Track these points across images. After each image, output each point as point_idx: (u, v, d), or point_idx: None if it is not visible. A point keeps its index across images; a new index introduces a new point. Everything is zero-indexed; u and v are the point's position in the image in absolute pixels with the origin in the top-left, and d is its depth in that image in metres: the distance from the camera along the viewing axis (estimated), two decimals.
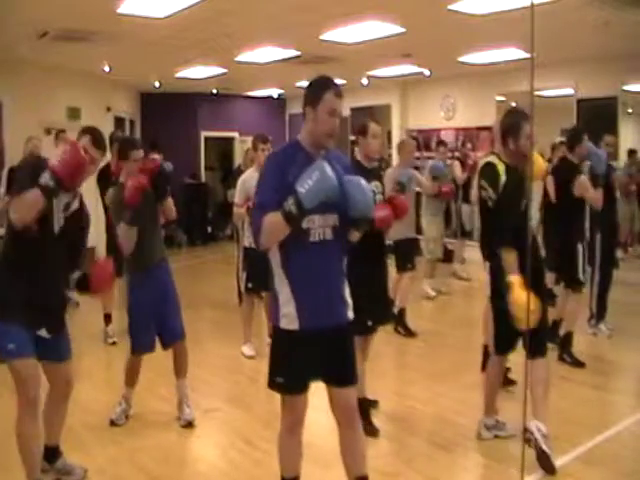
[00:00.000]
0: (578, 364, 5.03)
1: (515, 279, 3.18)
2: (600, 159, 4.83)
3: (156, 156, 8.52)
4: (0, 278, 2.94)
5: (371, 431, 3.72)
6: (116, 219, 3.80)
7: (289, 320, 2.57)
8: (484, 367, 4.68)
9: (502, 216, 3.35)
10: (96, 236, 8.55)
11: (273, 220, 2.44)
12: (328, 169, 2.39)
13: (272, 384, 2.65)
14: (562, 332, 5.12)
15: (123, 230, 3.72)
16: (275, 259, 2.59)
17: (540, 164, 4.61)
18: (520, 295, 3.10)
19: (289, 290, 2.55)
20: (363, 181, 2.54)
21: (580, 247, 4.93)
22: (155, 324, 3.91)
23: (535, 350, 3.27)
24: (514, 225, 3.25)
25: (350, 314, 2.69)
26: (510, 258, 3.24)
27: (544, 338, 3.48)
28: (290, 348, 2.60)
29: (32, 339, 2.93)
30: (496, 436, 3.74)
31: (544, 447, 3.28)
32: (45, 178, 2.74)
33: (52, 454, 3.24)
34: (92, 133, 3.07)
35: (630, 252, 8.85)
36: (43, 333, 3.00)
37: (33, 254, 2.91)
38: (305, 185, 2.37)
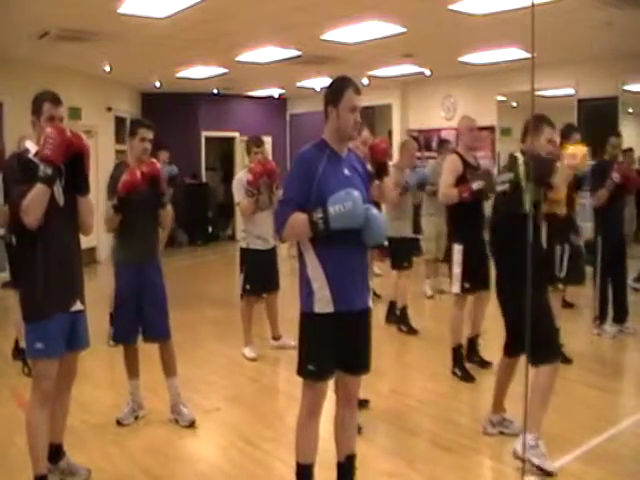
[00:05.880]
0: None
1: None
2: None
3: (162, 157, 8.36)
4: (28, 281, 2.96)
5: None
6: (108, 195, 3.83)
7: (323, 303, 2.67)
8: (454, 369, 4.76)
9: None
10: (96, 237, 8.62)
11: (298, 221, 2.61)
12: (359, 200, 2.56)
13: (303, 372, 2.72)
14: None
15: (107, 209, 3.79)
16: (307, 247, 2.69)
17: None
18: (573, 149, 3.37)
19: (323, 275, 2.66)
20: (381, 218, 2.73)
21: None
22: (137, 318, 3.91)
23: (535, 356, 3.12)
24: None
25: (370, 301, 2.82)
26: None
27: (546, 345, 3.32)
28: (323, 332, 2.68)
29: (65, 332, 3.00)
30: (501, 432, 3.74)
31: (538, 463, 3.23)
32: (42, 170, 2.81)
33: (55, 453, 3.22)
34: (50, 96, 3.16)
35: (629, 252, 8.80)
36: (78, 306, 3.08)
37: (48, 237, 2.92)
38: (337, 208, 2.54)
